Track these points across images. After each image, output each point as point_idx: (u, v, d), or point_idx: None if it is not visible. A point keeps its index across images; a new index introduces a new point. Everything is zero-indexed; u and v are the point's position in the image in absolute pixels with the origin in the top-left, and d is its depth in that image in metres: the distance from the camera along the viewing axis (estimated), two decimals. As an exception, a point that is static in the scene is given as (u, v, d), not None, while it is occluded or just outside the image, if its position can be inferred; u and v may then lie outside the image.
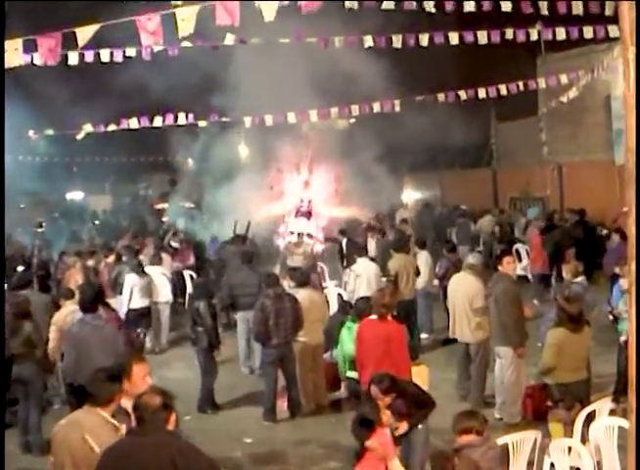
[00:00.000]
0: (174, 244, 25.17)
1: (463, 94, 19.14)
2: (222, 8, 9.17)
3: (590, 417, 9.40)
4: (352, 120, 27.49)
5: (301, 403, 13.63)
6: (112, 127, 18.56)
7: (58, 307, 13.72)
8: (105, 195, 52.93)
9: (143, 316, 17.77)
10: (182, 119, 18.67)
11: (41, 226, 31.73)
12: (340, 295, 18.36)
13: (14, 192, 25.79)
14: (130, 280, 17.67)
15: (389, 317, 10.97)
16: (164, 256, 21.12)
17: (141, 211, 43.91)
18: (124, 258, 19.99)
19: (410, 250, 18.95)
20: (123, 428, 6.83)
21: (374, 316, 10.97)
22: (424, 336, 18.13)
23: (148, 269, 18.98)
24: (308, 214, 22.87)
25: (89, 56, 14.09)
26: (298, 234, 21.94)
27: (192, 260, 24.26)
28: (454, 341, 14.35)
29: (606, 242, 21.78)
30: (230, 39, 14.99)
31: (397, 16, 12.17)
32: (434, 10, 12.17)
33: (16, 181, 26.22)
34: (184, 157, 39.69)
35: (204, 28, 11.49)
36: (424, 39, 15.52)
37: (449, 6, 12.77)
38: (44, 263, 21.21)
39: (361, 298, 13.48)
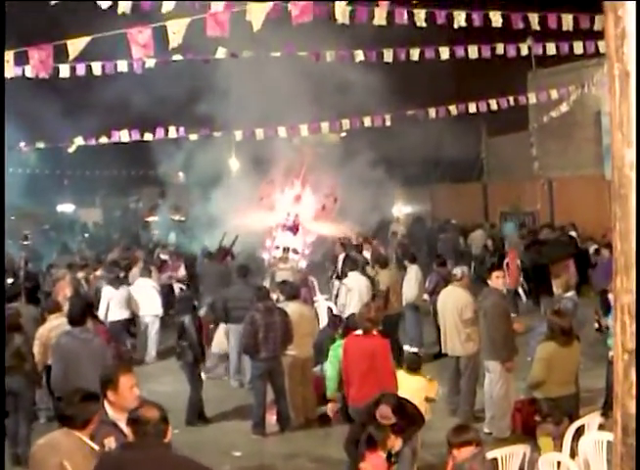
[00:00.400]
0: (164, 256, 25.13)
1: (454, 109, 19.18)
2: (212, 19, 9.20)
3: (579, 432, 9.39)
4: (343, 134, 27.50)
5: (291, 417, 13.59)
6: (103, 140, 18.52)
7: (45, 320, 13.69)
8: (95, 208, 52.96)
9: (123, 328, 17.76)
10: (173, 133, 18.65)
11: (27, 239, 31.71)
12: (330, 308, 18.35)
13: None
14: (107, 293, 17.69)
15: (375, 332, 10.95)
16: (154, 269, 21.11)
17: (131, 224, 43.92)
18: (102, 272, 20.01)
19: (388, 265, 18.95)
20: (112, 440, 6.79)
21: (359, 331, 10.95)
22: (413, 350, 18.11)
23: (138, 282, 18.98)
24: (294, 229, 22.75)
25: (80, 68, 14.06)
26: (284, 249, 21.84)
27: (182, 273, 24.18)
28: (445, 355, 14.35)
29: (596, 257, 21.86)
30: (221, 53, 15.01)
31: (389, 30, 12.17)
32: (424, 24, 12.16)
33: (6, 193, 26.16)
34: (174, 170, 39.69)
35: (195, 42, 11.55)
36: (415, 54, 15.56)
37: (440, 20, 12.78)
38: (33, 276, 21.15)
39: (353, 314, 13.50)
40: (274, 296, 15.05)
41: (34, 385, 12.52)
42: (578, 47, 15.89)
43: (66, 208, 51.76)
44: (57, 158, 35.33)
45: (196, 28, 9.47)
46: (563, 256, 21.57)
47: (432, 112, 19.27)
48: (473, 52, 15.68)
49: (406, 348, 18.10)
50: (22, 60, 10.50)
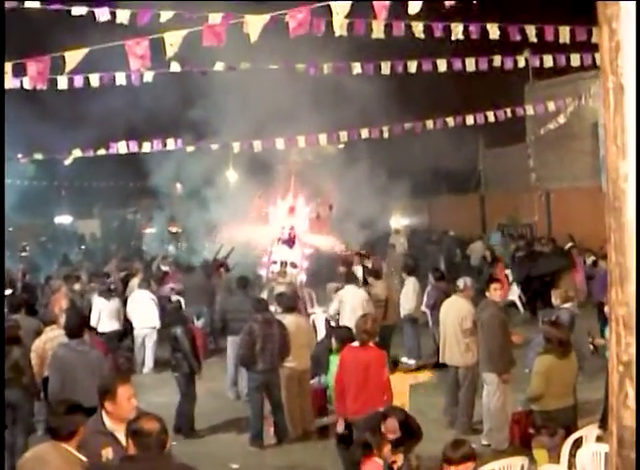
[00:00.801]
0: (164, 268, 25.11)
1: (451, 121, 19.20)
2: (209, 30, 9.23)
3: (577, 443, 9.38)
4: (341, 146, 27.53)
5: (288, 429, 13.56)
6: (101, 152, 18.53)
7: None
8: (93, 219, 52.84)
9: (114, 339, 17.76)
10: (171, 145, 18.67)
11: (25, 250, 31.70)
12: (327, 320, 18.35)
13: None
14: (98, 304, 17.72)
15: (372, 344, 10.96)
16: (152, 281, 21.10)
17: (129, 236, 43.91)
18: (93, 284, 20.02)
19: (382, 276, 18.96)
20: (109, 451, 6.79)
21: (356, 343, 10.96)
22: (411, 362, 18.13)
23: (135, 294, 18.98)
24: (291, 242, 22.69)
25: (78, 80, 14.08)
26: (281, 263, 21.77)
27: (182, 285, 24.16)
28: (444, 366, 14.34)
29: (593, 269, 21.90)
30: (219, 66, 15.06)
31: (387, 42, 12.20)
32: (422, 36, 12.19)
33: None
34: (172, 182, 39.68)
35: (193, 54, 11.57)
36: (412, 66, 15.61)
37: (438, 33, 12.82)
38: (30, 287, 21.16)
39: (340, 326, 13.54)
40: (272, 308, 15.02)
41: (33, 397, 12.51)
42: (575, 59, 15.93)
43: (63, 219, 51.68)
44: (54, 169, 35.37)
45: (193, 40, 9.50)
46: (558, 267, 21.68)
47: (429, 124, 19.29)
48: (470, 64, 15.72)
49: (404, 359, 18.12)
50: (19, 71, 10.51)
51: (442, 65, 15.64)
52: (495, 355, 12.36)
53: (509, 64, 16.16)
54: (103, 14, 10.49)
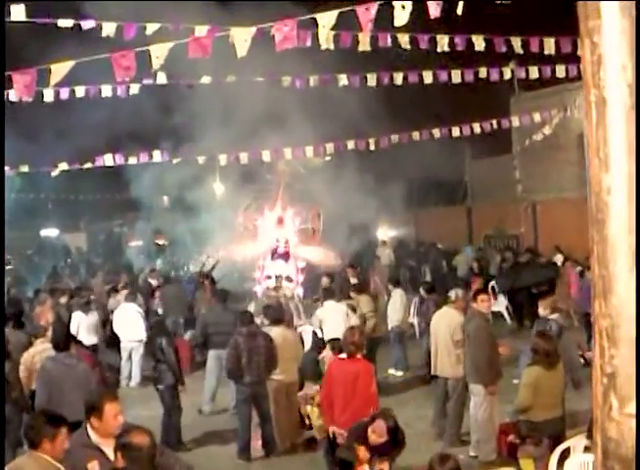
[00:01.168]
0: (153, 281, 25.03)
1: (437, 132, 19.24)
2: (195, 42, 9.25)
3: (565, 454, 9.38)
4: (328, 158, 27.55)
5: (276, 442, 13.53)
6: (87, 165, 18.51)
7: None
8: (80, 232, 52.75)
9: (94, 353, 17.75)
10: (157, 157, 18.66)
11: (8, 264, 31.55)
12: (314, 332, 18.32)
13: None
14: (76, 318, 17.66)
15: (359, 356, 10.98)
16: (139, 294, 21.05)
17: (115, 249, 43.85)
18: (73, 298, 19.95)
19: (365, 290, 18.97)
20: (95, 464, 6.78)
21: (343, 355, 10.98)
22: (398, 374, 18.14)
23: (122, 307, 18.94)
24: (286, 256, 22.60)
25: (64, 92, 14.08)
26: (277, 277, 21.68)
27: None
28: (435, 379, 14.37)
29: (580, 280, 21.97)
30: (206, 79, 15.08)
31: (373, 54, 12.22)
32: (408, 46, 12.23)
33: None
34: (159, 194, 39.64)
35: (179, 66, 11.59)
36: (398, 78, 15.64)
37: (423, 44, 12.85)
38: (16, 301, 21.04)
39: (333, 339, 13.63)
40: (258, 320, 15.00)
41: (22, 411, 12.44)
42: (561, 71, 16.02)
43: (49, 232, 51.60)
44: (41, 182, 35.28)
45: (179, 53, 9.51)
46: (542, 279, 21.78)
47: (416, 135, 19.33)
48: (456, 76, 15.78)
49: (391, 371, 18.12)
50: (5, 84, 10.52)
51: (428, 76, 15.68)
52: (482, 367, 12.36)
53: (495, 75, 16.23)
54: (88, 25, 10.50)
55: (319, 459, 11.69)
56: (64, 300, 19.83)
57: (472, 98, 25.90)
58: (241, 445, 13.22)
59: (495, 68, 16.21)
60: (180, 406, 14.08)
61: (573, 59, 14.61)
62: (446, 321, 13.62)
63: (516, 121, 21.19)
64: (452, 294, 14.34)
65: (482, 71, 16.02)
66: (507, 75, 16.52)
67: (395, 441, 8.94)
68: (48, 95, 13.64)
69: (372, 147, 19.31)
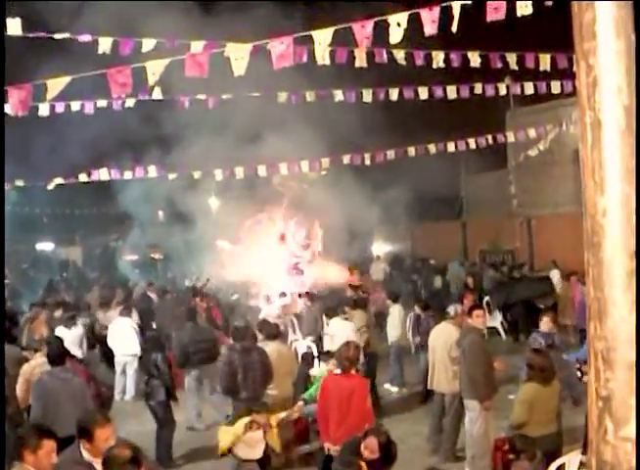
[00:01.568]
0: (152, 295, 24.99)
1: (433, 148, 19.26)
2: (191, 60, 9.25)
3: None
4: (323, 173, 27.59)
5: (271, 457, 13.46)
6: (83, 179, 18.51)
7: (27, 360, 13.56)
8: (75, 246, 52.72)
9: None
10: (153, 172, 18.68)
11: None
12: (309, 347, 18.29)
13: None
14: (59, 333, 17.60)
15: (354, 371, 10.97)
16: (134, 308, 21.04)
17: (111, 263, 43.83)
18: (58, 313, 19.90)
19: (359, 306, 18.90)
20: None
21: (338, 371, 10.97)
22: (394, 389, 18.09)
23: (116, 321, 18.92)
24: (299, 272, 22.49)
25: (60, 107, 14.08)
26: (291, 294, 21.56)
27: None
28: (428, 395, 14.36)
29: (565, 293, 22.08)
30: (202, 95, 15.13)
31: (369, 70, 12.25)
32: (404, 62, 12.26)
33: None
34: (154, 208, 39.66)
35: (175, 82, 11.58)
36: (393, 94, 15.67)
37: (419, 61, 12.87)
38: (11, 315, 21.00)
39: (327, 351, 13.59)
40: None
41: (17, 427, 12.39)
42: (556, 86, 16.08)
43: (45, 246, 51.57)
44: (36, 196, 35.25)
45: (175, 69, 9.52)
46: (538, 293, 21.80)
47: (411, 150, 19.36)
48: (452, 92, 15.81)
49: (387, 386, 18.08)
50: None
51: (424, 92, 15.71)
52: (477, 382, 12.34)
53: (490, 91, 16.26)
54: (85, 38, 10.53)
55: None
56: (58, 314, 19.77)
57: (467, 113, 25.95)
58: (236, 460, 13.17)
59: (491, 83, 16.25)
60: (173, 422, 14.05)
61: (569, 75, 14.64)
62: (444, 337, 13.63)
63: (511, 137, 21.24)
64: (451, 309, 14.35)
65: (478, 87, 16.06)
66: (502, 91, 16.55)
67: (388, 456, 8.94)
68: (43, 109, 13.63)
69: (367, 162, 19.32)
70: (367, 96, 15.74)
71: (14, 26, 9.64)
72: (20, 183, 19.54)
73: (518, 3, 9.38)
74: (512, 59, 13.63)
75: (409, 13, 9.00)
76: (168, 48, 10.59)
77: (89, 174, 18.48)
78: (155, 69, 9.21)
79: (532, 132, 21.24)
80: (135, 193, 29.53)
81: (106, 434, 7.13)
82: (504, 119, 35.61)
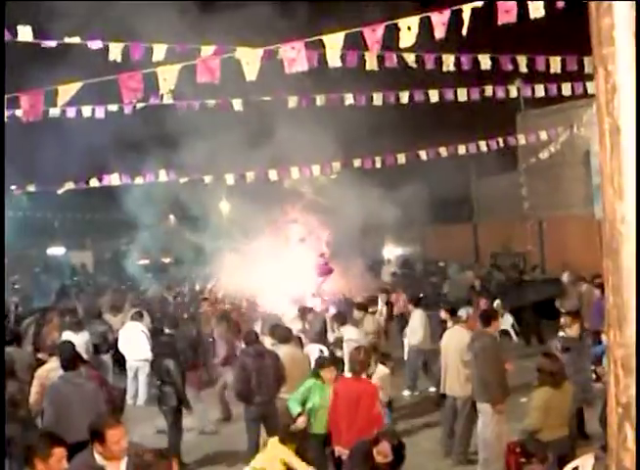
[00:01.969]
0: (169, 297, 24.99)
1: (444, 151, 19.23)
2: (203, 65, 9.24)
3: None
4: (333, 176, 27.56)
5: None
6: (94, 184, 18.52)
7: (40, 364, 13.55)
8: (86, 251, 52.79)
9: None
10: (163, 176, 18.68)
11: (15, 283, 31.61)
12: (321, 351, 18.23)
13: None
14: (66, 337, 17.58)
15: (364, 376, 10.97)
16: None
17: (122, 267, 43.87)
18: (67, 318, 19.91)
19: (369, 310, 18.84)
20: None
21: (349, 375, 10.97)
22: (405, 393, 17.99)
23: (127, 326, 18.90)
24: (331, 270, 22.29)
25: (71, 112, 14.12)
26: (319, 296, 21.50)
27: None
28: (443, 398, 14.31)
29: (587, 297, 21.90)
30: (212, 101, 15.14)
31: (380, 74, 12.24)
32: (415, 65, 12.23)
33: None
34: (166, 213, 39.73)
35: (186, 87, 11.58)
36: (404, 97, 15.66)
37: (429, 64, 12.84)
38: (20, 319, 21.04)
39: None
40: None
41: (29, 432, 12.39)
42: (566, 88, 16.03)
43: (56, 250, 51.67)
44: (48, 201, 35.34)
45: (186, 75, 9.52)
46: (549, 296, 21.73)
47: (422, 153, 19.33)
48: (462, 94, 15.78)
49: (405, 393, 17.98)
50: (12, 103, 10.54)
51: (435, 95, 15.69)
52: (489, 386, 12.31)
53: (501, 93, 16.22)
54: (95, 44, 10.54)
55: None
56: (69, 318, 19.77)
57: (478, 116, 25.92)
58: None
59: (501, 85, 16.21)
60: (181, 428, 14.02)
61: (579, 77, 14.61)
62: (456, 341, 13.60)
63: (522, 139, 21.19)
64: (463, 313, 14.29)
65: (488, 90, 16.03)
66: (513, 93, 16.52)
67: (400, 458, 8.93)
68: (54, 114, 13.66)
69: (378, 165, 19.29)
70: (377, 99, 15.73)
71: (25, 33, 9.67)
72: (31, 188, 19.59)
73: (530, 5, 9.33)
74: (522, 61, 13.60)
75: (420, 17, 8.98)
76: (177, 52, 10.60)
77: (100, 179, 18.51)
78: (166, 74, 9.21)
79: (543, 134, 21.19)
80: (145, 197, 29.54)
81: (117, 435, 7.14)
82: (515, 122, 35.57)
